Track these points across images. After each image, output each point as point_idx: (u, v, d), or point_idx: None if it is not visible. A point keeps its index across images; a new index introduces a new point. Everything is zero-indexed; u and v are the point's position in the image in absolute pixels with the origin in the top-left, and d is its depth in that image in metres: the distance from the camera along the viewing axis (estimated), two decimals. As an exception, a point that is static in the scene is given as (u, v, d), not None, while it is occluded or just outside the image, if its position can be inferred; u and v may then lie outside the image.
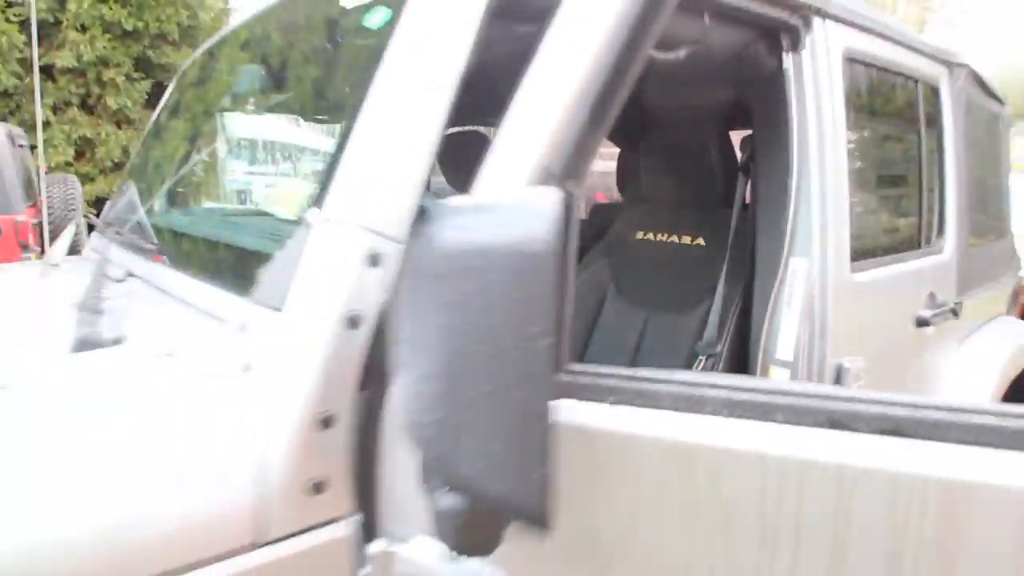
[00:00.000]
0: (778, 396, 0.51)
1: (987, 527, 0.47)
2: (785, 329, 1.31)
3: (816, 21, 1.26)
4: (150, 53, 6.97)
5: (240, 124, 1.01)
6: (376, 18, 0.78)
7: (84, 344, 0.79)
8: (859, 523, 0.48)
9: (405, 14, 0.71)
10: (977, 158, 2.02)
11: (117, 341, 0.81)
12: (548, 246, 0.37)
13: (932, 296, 1.71)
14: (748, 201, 1.57)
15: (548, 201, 0.38)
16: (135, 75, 6.95)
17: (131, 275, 1.10)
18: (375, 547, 0.66)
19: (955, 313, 1.78)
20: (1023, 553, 0.46)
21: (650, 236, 1.77)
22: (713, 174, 1.65)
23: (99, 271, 0.94)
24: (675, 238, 1.74)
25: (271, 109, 0.95)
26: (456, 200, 0.44)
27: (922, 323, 1.65)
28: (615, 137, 2.09)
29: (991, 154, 2.27)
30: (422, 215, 0.43)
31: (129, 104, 6.93)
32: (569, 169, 0.57)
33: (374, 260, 0.66)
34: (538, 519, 0.41)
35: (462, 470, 0.41)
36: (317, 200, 0.69)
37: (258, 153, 0.95)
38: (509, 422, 0.39)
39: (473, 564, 0.61)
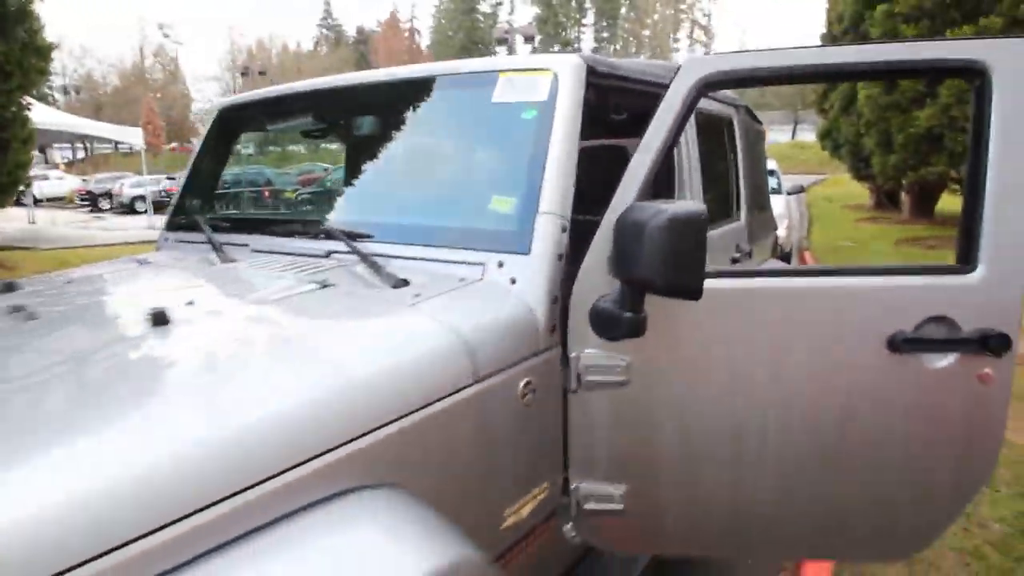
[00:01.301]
0: (775, 274, 1.49)
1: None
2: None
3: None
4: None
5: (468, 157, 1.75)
6: (526, 113, 1.61)
7: (396, 283, 1.51)
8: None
9: (557, 114, 1.56)
10: (751, 161, 3.27)
11: (406, 283, 1.54)
12: (706, 215, 1.27)
13: (738, 246, 2.89)
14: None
15: (699, 203, 1.28)
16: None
17: (333, 252, 1.78)
18: (571, 354, 1.52)
19: (749, 255, 2.99)
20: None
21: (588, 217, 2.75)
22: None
23: (357, 248, 1.63)
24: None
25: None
26: (658, 203, 1.31)
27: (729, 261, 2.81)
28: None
29: (758, 157, 3.57)
30: (642, 211, 1.30)
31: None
32: (650, 189, 1.48)
33: (564, 228, 1.51)
34: (696, 294, 1.30)
35: (663, 280, 1.28)
36: (528, 204, 1.52)
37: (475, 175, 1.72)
38: (688, 261, 1.28)
39: (622, 352, 1.50)
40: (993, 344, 1.44)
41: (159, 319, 1.21)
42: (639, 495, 1.58)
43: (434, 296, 1.40)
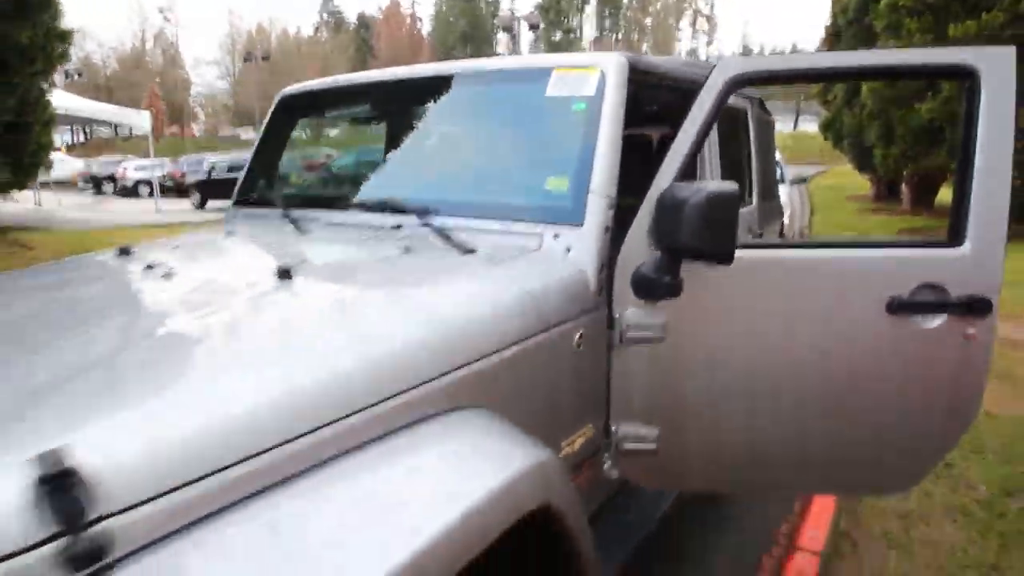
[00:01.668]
0: (793, 246, 1.72)
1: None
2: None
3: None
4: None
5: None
6: (577, 106, 1.85)
7: (466, 251, 1.75)
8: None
9: (604, 107, 1.80)
10: (762, 150, 3.51)
11: (473, 250, 1.78)
12: (738, 193, 1.51)
13: (750, 228, 3.14)
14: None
15: (732, 183, 1.52)
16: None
17: (401, 225, 2.01)
18: (615, 314, 1.76)
19: (760, 238, 3.24)
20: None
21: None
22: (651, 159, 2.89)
23: (428, 221, 1.87)
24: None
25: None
26: (696, 183, 1.55)
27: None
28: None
29: (768, 147, 3.81)
30: (687, 191, 1.53)
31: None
32: (685, 173, 1.72)
33: (611, 205, 1.75)
34: (729, 259, 1.54)
35: (701, 247, 1.52)
36: (580, 184, 1.76)
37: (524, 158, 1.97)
38: (723, 231, 1.52)
39: (659, 312, 1.74)
40: (977, 308, 1.69)
41: (284, 274, 1.45)
42: (670, 437, 1.84)
43: (505, 260, 1.65)
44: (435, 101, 2.16)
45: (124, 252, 1.87)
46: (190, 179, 21.06)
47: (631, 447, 1.84)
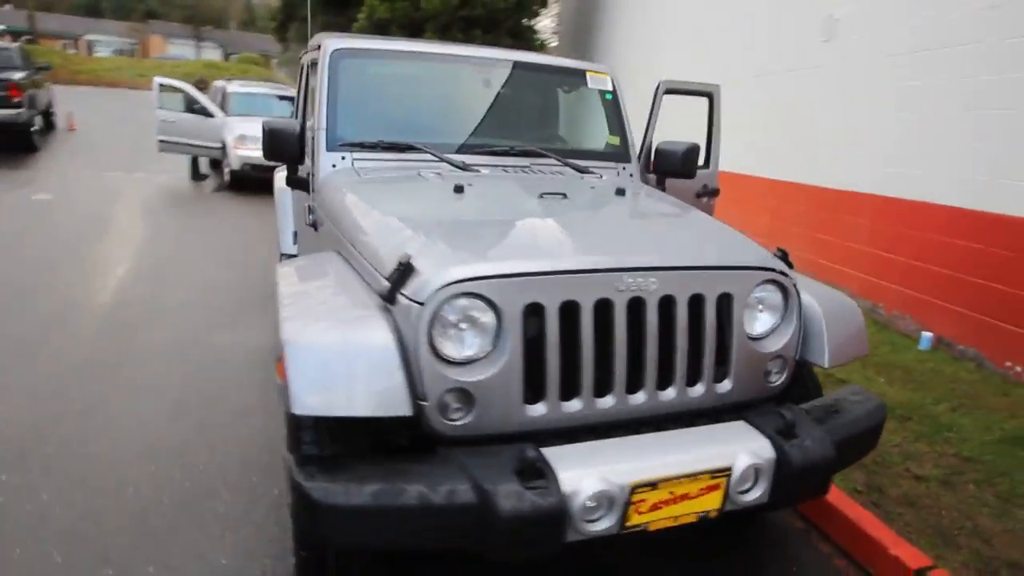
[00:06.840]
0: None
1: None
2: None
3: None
4: None
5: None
6: (607, 95, 3.40)
7: (594, 176, 3.14)
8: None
9: (617, 94, 3.43)
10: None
11: (600, 176, 3.17)
12: (698, 145, 3.43)
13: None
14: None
15: (694, 142, 3.43)
16: None
17: (528, 165, 3.11)
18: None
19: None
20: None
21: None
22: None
23: (568, 161, 3.10)
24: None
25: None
26: (675, 141, 3.38)
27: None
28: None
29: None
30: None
31: None
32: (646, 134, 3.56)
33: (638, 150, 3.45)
34: (694, 175, 3.47)
35: (683, 170, 3.40)
36: (625, 138, 3.38)
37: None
38: (693, 162, 3.44)
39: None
40: (714, 191, 4.17)
41: (621, 191, 2.64)
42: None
43: (619, 179, 3.15)
44: (507, 81, 3.23)
45: (458, 190, 2.38)
46: None
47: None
